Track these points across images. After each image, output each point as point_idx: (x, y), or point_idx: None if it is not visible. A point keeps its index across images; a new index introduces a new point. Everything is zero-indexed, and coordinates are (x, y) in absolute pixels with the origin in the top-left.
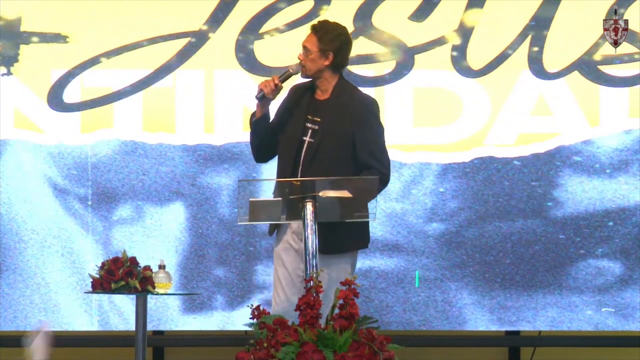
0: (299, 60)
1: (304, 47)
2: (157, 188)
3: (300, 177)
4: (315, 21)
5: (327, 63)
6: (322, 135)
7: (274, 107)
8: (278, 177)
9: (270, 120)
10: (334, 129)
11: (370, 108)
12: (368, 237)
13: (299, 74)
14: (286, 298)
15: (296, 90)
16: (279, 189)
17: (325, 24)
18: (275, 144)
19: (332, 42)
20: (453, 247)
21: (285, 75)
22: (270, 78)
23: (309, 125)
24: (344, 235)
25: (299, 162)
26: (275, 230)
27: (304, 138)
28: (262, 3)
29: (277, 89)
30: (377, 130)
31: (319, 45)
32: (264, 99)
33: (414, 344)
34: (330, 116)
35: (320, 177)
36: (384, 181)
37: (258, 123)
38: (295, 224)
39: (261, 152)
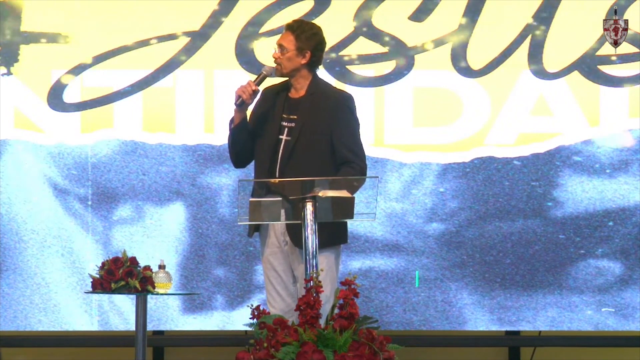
0: (273, 59)
1: (280, 45)
2: (157, 188)
3: (279, 175)
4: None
5: (304, 62)
6: (299, 132)
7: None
8: (256, 177)
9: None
10: (310, 125)
11: (346, 103)
12: (347, 232)
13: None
14: (281, 299)
15: (268, 92)
16: (259, 188)
17: (301, 23)
18: (254, 148)
19: (309, 40)
20: (453, 247)
21: (260, 77)
22: (245, 84)
23: (285, 123)
24: (326, 231)
25: (276, 161)
26: (256, 232)
27: (281, 137)
28: (262, 3)
29: (254, 93)
30: (353, 125)
31: (296, 44)
32: (243, 104)
33: (414, 344)
34: (306, 113)
35: (299, 174)
36: (362, 174)
37: (239, 129)
38: (278, 225)
39: (241, 158)
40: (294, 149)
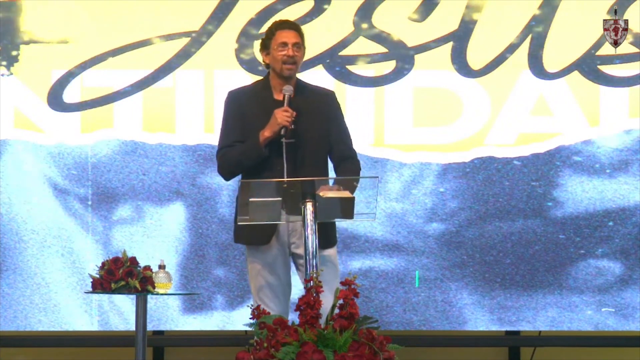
0: (288, 58)
1: (296, 43)
2: (157, 188)
3: (291, 178)
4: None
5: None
6: (303, 133)
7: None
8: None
9: (235, 137)
10: (311, 125)
11: (336, 101)
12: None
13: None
14: (279, 302)
15: (242, 96)
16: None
17: (292, 21)
18: None
19: (304, 38)
20: (453, 247)
21: (288, 99)
22: (282, 111)
23: None
24: (330, 230)
25: (281, 164)
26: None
27: (282, 140)
28: (262, 3)
29: (292, 116)
30: (344, 121)
31: (302, 40)
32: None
33: (414, 344)
34: (304, 114)
35: (305, 175)
36: (360, 169)
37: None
38: (282, 229)
39: (238, 173)
40: (298, 150)
